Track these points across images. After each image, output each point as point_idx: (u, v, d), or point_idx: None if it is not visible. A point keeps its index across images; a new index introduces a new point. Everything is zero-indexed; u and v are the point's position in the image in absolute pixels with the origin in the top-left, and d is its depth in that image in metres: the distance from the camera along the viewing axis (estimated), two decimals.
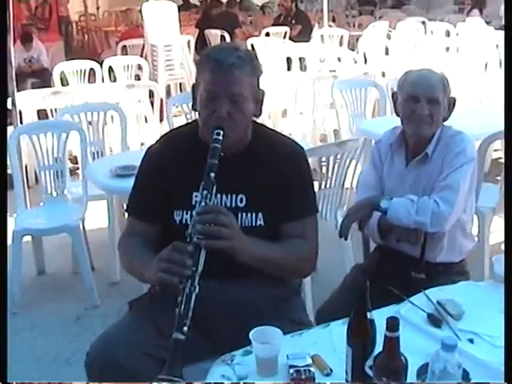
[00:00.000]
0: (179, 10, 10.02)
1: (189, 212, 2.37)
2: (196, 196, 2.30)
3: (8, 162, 4.19)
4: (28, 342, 3.95)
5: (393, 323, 1.71)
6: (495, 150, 6.09)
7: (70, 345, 3.91)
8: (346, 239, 3.02)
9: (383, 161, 3.09)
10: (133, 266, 2.44)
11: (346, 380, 1.92)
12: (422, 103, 2.89)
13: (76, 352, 3.75)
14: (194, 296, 2.04)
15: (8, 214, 2.75)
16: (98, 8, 18.26)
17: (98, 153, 5.29)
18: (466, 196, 2.92)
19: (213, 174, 2.20)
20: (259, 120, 2.60)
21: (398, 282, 2.58)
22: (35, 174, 5.67)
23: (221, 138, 2.27)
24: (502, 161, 4.31)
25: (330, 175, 3.93)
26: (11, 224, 4.16)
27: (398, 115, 3.06)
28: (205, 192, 2.18)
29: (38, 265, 4.89)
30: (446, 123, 3.01)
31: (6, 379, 2.16)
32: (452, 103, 3.00)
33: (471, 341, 2.16)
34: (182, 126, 2.78)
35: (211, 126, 2.30)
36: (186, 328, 1.98)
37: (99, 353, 2.31)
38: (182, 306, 2.02)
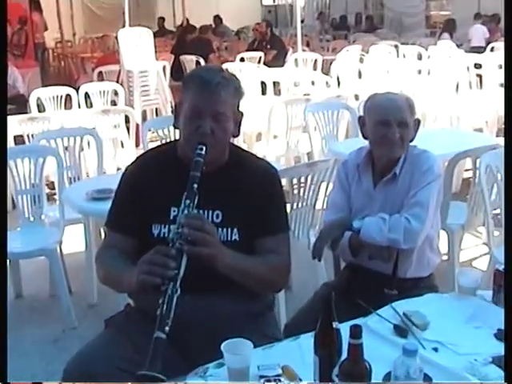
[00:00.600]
0: (155, 36, 10.12)
1: (167, 226, 2.45)
2: (174, 211, 2.41)
3: None
4: None
5: (356, 331, 1.79)
6: (466, 170, 6.22)
7: (47, 367, 3.93)
8: (319, 260, 3.08)
9: (350, 181, 3.15)
10: (110, 276, 2.51)
11: None
12: (393, 127, 2.96)
13: (54, 374, 3.74)
14: (175, 298, 2.10)
15: None
16: (74, 34, 18.28)
17: (74, 178, 5.32)
18: (434, 212, 3.01)
19: (195, 185, 2.30)
20: (235, 142, 2.71)
21: (370, 299, 2.63)
22: (12, 199, 5.70)
23: (203, 153, 2.37)
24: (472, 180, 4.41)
25: (301, 195, 4.01)
26: None
27: (365, 138, 3.13)
28: (188, 201, 2.28)
29: (16, 288, 4.90)
30: (414, 143, 3.09)
31: (6, 379, 2.20)
32: (417, 124, 3.09)
33: (435, 349, 2.24)
34: (159, 146, 2.88)
35: (194, 142, 2.40)
36: (167, 328, 2.04)
37: (76, 369, 2.34)
38: (164, 307, 2.08)
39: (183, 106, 2.48)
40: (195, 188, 2.30)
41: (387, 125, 2.97)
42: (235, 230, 2.49)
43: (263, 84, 9.37)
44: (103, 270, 2.57)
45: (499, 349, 2.16)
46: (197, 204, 2.33)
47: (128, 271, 2.30)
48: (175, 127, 2.57)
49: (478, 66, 9.90)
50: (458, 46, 12.93)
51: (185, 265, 2.19)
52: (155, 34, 10.66)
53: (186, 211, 2.27)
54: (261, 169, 2.63)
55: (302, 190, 4.00)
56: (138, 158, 2.74)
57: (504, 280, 2.36)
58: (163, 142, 5.28)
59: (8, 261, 4.69)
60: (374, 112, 3.05)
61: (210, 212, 2.48)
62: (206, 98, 2.41)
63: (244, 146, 6.56)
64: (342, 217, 3.08)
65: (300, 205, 4.04)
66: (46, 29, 16.73)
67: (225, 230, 2.49)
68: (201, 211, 2.44)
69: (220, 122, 2.43)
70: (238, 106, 2.55)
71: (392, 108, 3.00)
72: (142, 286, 2.20)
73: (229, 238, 2.48)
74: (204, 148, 2.37)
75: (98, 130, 6.20)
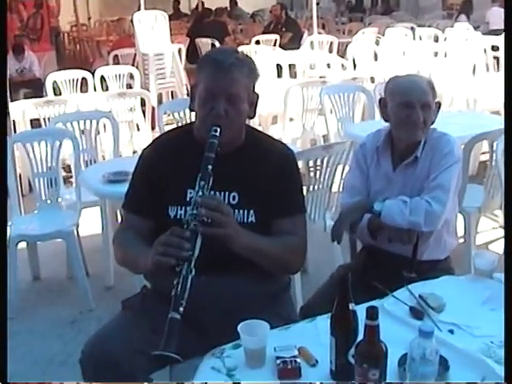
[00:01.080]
0: (170, 19, 10.10)
1: (183, 208, 2.46)
2: (190, 193, 2.41)
3: None
4: (24, 346, 4.00)
5: (372, 312, 1.80)
6: (483, 153, 6.19)
7: (65, 347, 3.98)
8: (339, 243, 3.08)
9: (369, 164, 3.14)
10: (127, 257, 2.53)
11: (331, 369, 1.99)
12: (416, 109, 2.94)
13: (71, 354, 3.81)
14: (190, 278, 2.13)
15: None
16: (89, 18, 18.34)
17: (90, 161, 5.35)
18: (453, 195, 3.00)
19: (210, 167, 2.31)
20: (251, 124, 2.71)
21: (387, 281, 2.62)
22: (29, 182, 5.74)
23: (218, 134, 2.37)
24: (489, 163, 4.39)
25: (317, 177, 4.00)
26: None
27: (385, 120, 3.10)
28: (202, 183, 2.29)
29: (33, 270, 4.95)
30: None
31: (6, 379, 2.22)
32: (438, 107, 3.06)
33: (451, 331, 2.24)
34: (175, 129, 2.89)
35: (209, 124, 2.40)
36: (181, 308, 2.07)
37: (94, 350, 2.37)
38: (179, 287, 2.11)
39: (198, 87, 2.48)
40: (209, 169, 2.31)
41: (411, 107, 2.95)
42: (252, 211, 2.50)
43: (279, 66, 9.36)
44: (120, 252, 2.58)
45: None
46: (213, 185, 2.33)
47: (144, 252, 2.32)
48: (191, 110, 2.57)
49: (495, 48, 9.82)
50: (475, 28, 12.82)
51: (199, 246, 2.20)
52: (170, 17, 10.64)
53: (200, 192, 2.28)
54: (277, 150, 2.63)
55: (318, 172, 4.00)
56: (154, 140, 2.75)
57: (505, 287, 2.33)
58: (179, 124, 5.29)
59: (26, 243, 4.75)
60: (397, 94, 3.01)
61: (227, 194, 2.49)
62: (219, 79, 2.41)
63: (260, 129, 6.57)
64: (361, 199, 3.07)
65: (316, 187, 4.04)
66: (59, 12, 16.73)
67: (241, 211, 2.49)
68: (217, 193, 2.45)
69: (234, 104, 2.43)
70: (254, 88, 2.54)
71: (416, 90, 2.97)
72: (157, 267, 2.22)
73: (245, 220, 2.49)
74: (218, 129, 2.38)
75: (114, 113, 6.24)
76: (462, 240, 4.31)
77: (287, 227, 2.53)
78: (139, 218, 2.58)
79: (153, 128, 7.34)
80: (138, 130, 7.19)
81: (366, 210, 2.97)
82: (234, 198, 2.49)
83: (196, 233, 2.21)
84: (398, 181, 3.05)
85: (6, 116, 3.43)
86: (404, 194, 2.96)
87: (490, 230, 5.33)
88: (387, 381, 1.87)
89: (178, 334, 2.03)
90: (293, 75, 9.49)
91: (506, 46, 2.60)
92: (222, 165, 2.36)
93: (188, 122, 4.25)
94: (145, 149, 2.71)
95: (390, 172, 3.07)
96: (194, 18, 14.81)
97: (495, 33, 11.71)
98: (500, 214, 5.04)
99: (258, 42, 11.66)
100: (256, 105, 2.57)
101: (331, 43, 11.52)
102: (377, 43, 10.97)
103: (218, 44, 11.50)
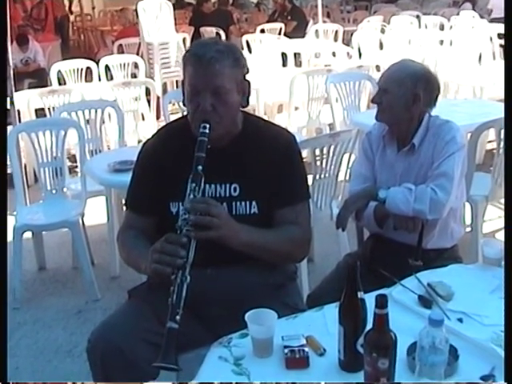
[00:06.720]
0: (174, 8, 10.07)
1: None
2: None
3: (8, 161, 4.23)
4: (30, 336, 4.00)
5: (381, 300, 1.77)
6: (489, 141, 6.16)
7: (71, 337, 3.97)
8: (343, 230, 3.06)
9: (375, 152, 3.14)
10: (131, 258, 2.50)
11: (339, 358, 1.98)
12: (379, 92, 3.02)
13: (77, 344, 3.82)
14: (185, 286, 2.09)
15: (8, 212, 2.80)
16: (93, 8, 18.30)
17: (95, 150, 5.34)
18: (458, 183, 2.97)
19: (200, 167, 2.25)
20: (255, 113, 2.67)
21: (394, 269, 2.60)
22: (34, 173, 5.73)
23: (207, 131, 2.32)
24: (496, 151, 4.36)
25: (323, 166, 3.98)
26: (11, 221, 4.18)
27: None
28: (193, 185, 2.24)
29: (39, 261, 4.96)
30: (434, 113, 3.05)
31: (6, 379, 2.21)
32: (416, 97, 2.96)
33: (460, 320, 2.22)
34: (176, 120, 2.81)
35: (197, 120, 2.36)
36: (178, 317, 2.03)
37: (100, 339, 2.36)
38: (174, 296, 2.07)
39: (184, 84, 2.43)
40: (200, 170, 2.25)
41: (377, 89, 3.06)
42: (254, 202, 2.46)
43: (284, 55, 9.33)
44: (124, 253, 2.57)
45: None
46: (213, 178, 2.33)
47: (145, 256, 2.27)
48: (184, 105, 2.50)
49: (501, 36, 9.76)
50: (481, 16, 12.75)
51: (194, 250, 2.16)
52: (174, 6, 10.60)
53: (191, 195, 2.23)
54: (277, 136, 2.56)
55: (324, 160, 3.97)
56: (153, 135, 2.69)
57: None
58: (184, 113, 5.25)
59: (31, 233, 4.74)
60: None
61: (228, 186, 2.45)
62: (201, 74, 2.35)
63: (265, 118, 6.56)
64: (367, 186, 3.06)
65: (322, 175, 4.01)
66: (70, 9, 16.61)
67: (243, 203, 2.45)
68: (217, 186, 2.43)
69: (220, 96, 2.36)
70: (244, 76, 2.47)
71: (385, 75, 3.05)
72: (154, 274, 2.20)
73: (248, 212, 2.46)
74: (207, 126, 2.32)
75: (119, 102, 6.24)
76: (469, 228, 4.29)
77: (290, 217, 2.49)
78: (141, 217, 2.56)
79: (158, 117, 7.33)
80: (143, 119, 7.17)
81: (371, 198, 2.97)
82: (235, 190, 2.46)
83: (190, 237, 2.16)
84: (400, 168, 3.04)
85: (6, 105, 3.41)
86: (408, 182, 2.94)
87: (496, 218, 5.30)
88: (396, 369, 1.85)
89: (175, 343, 1.99)
90: (298, 64, 9.47)
91: (507, 35, 2.57)
92: (221, 157, 2.33)
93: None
94: (144, 143, 2.67)
95: (394, 160, 3.07)
96: (194, 6, 14.72)
97: (498, 21, 11.67)
98: None
99: (262, 31, 11.60)
100: (248, 93, 2.50)
101: (336, 32, 11.47)
102: (382, 31, 10.92)
103: (222, 33, 11.45)
